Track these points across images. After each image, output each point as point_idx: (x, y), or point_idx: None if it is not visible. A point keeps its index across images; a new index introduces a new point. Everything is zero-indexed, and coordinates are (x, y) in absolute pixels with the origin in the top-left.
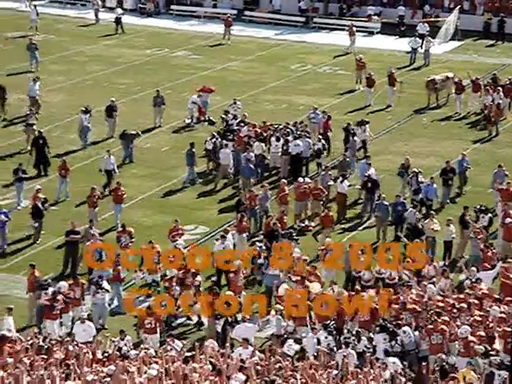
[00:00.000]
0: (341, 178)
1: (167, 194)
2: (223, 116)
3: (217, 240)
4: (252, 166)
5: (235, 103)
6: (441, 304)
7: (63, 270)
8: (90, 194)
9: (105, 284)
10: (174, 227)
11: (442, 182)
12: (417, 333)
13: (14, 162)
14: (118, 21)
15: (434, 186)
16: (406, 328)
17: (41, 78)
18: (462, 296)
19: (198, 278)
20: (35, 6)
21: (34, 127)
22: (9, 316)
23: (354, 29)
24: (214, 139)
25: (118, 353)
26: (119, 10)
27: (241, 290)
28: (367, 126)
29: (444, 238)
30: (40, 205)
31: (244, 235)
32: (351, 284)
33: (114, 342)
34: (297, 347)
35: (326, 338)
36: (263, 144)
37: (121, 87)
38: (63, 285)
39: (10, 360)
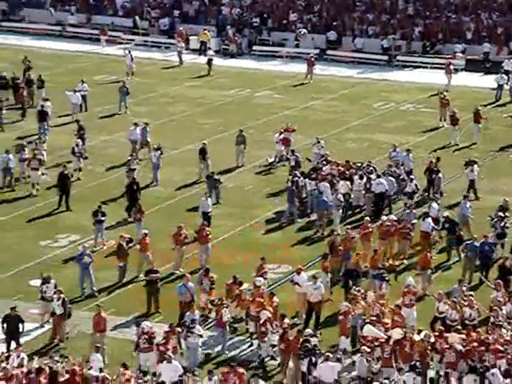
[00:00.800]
0: (424, 216)
1: (250, 233)
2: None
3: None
4: (325, 198)
5: (318, 142)
6: None
7: (147, 310)
8: (177, 232)
9: (197, 328)
10: (261, 265)
11: None
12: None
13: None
14: (209, 62)
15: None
16: (494, 370)
17: (148, 124)
18: None
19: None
20: (129, 51)
21: (135, 173)
22: (96, 353)
23: (452, 67)
24: (296, 178)
25: None
26: (211, 52)
27: (347, 333)
28: (475, 165)
29: None
30: (125, 244)
31: (329, 274)
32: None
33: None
34: None
35: (414, 379)
36: (348, 182)
37: (204, 127)
38: (146, 324)
39: None
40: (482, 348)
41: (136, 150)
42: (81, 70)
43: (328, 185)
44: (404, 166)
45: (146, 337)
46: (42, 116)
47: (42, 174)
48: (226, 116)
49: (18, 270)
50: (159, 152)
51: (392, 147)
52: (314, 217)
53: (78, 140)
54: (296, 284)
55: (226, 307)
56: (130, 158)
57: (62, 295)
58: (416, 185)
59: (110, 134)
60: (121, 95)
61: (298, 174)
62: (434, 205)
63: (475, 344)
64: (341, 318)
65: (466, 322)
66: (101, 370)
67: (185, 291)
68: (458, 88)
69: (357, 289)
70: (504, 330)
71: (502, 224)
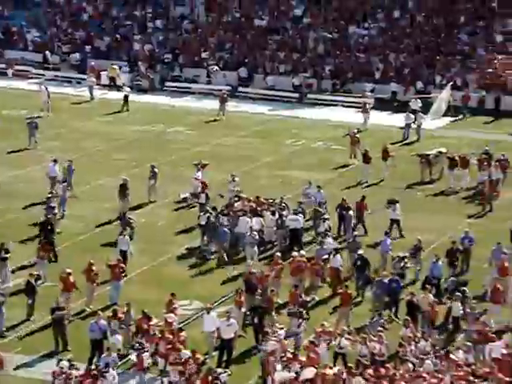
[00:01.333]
0: (334, 252)
1: (162, 269)
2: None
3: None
4: (226, 229)
5: (234, 180)
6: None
7: (55, 348)
8: (87, 268)
9: (111, 373)
10: (170, 301)
11: (447, 262)
12: None
13: None
14: (125, 98)
15: (440, 263)
16: None
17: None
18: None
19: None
20: (46, 86)
21: (55, 211)
22: None
23: (368, 106)
24: (208, 214)
25: None
26: (127, 89)
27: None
28: (397, 204)
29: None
30: (33, 281)
31: (243, 310)
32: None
33: None
34: None
35: None
36: (261, 219)
37: (117, 162)
38: (65, 364)
39: None
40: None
41: (55, 187)
42: None
43: (248, 219)
44: (315, 202)
45: (64, 377)
46: None
47: None
48: (140, 152)
49: None
50: (65, 183)
51: (307, 184)
52: (213, 248)
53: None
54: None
55: (147, 351)
56: (49, 195)
57: None
58: (329, 225)
59: (20, 169)
60: (30, 130)
61: (210, 210)
62: (329, 239)
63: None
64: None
65: (376, 357)
66: None
67: (96, 329)
68: (368, 126)
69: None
70: (410, 365)
71: (402, 265)
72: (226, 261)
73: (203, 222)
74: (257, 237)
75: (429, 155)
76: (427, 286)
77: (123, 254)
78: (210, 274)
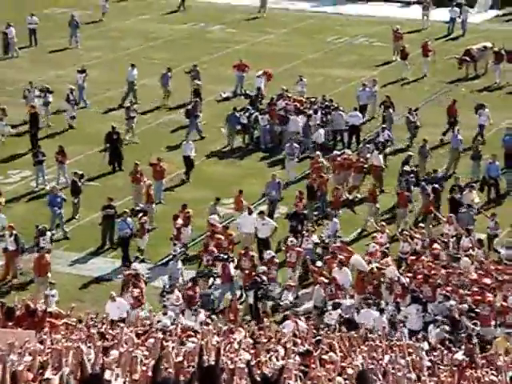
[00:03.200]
0: (376, 151)
1: (208, 169)
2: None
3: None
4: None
5: (301, 80)
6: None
7: (102, 246)
8: (134, 169)
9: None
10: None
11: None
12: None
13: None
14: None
15: (496, 163)
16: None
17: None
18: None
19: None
20: None
21: (135, 120)
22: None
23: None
24: (248, 113)
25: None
26: None
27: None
28: (486, 109)
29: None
30: (77, 180)
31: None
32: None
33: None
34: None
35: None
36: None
37: (157, 62)
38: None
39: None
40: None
41: (132, 93)
42: (30, 2)
43: (298, 119)
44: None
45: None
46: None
47: (6, 124)
48: (180, 51)
49: None
50: (84, 74)
51: (360, 85)
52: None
53: (71, 86)
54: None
55: (232, 261)
56: (129, 104)
57: (14, 231)
58: (390, 135)
59: (61, 69)
60: (71, 29)
61: (250, 109)
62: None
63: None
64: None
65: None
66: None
67: (124, 227)
68: (411, 21)
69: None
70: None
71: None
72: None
73: (244, 121)
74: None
75: (472, 50)
76: (484, 186)
77: (187, 158)
78: (257, 174)
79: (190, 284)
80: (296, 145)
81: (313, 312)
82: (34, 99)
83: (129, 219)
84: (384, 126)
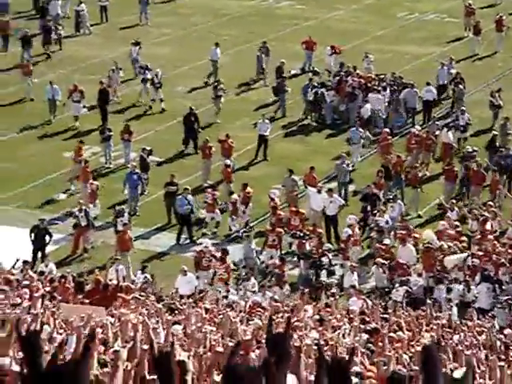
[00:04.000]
0: (446, 129)
1: (274, 145)
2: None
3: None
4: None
5: (367, 57)
6: None
7: (168, 222)
8: (204, 145)
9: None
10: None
11: None
12: None
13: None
14: None
15: None
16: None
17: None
18: None
19: None
20: None
21: (222, 100)
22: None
23: None
24: (316, 89)
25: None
26: None
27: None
28: None
29: None
30: (146, 156)
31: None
32: None
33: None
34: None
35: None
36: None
37: (225, 38)
38: (208, 242)
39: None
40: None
41: (216, 72)
42: None
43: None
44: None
45: (209, 256)
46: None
47: (84, 106)
48: (248, 27)
49: (42, 181)
50: (138, 47)
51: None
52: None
53: (158, 70)
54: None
55: (310, 238)
56: (216, 83)
57: (84, 206)
58: (469, 119)
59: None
60: (141, 6)
61: (318, 86)
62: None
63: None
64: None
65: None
66: (124, 280)
67: (185, 203)
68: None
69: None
70: None
71: None
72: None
73: (311, 98)
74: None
75: None
76: None
77: (262, 137)
78: (324, 151)
79: (278, 262)
80: (361, 129)
81: (375, 292)
82: (117, 79)
83: (189, 196)
84: (463, 108)
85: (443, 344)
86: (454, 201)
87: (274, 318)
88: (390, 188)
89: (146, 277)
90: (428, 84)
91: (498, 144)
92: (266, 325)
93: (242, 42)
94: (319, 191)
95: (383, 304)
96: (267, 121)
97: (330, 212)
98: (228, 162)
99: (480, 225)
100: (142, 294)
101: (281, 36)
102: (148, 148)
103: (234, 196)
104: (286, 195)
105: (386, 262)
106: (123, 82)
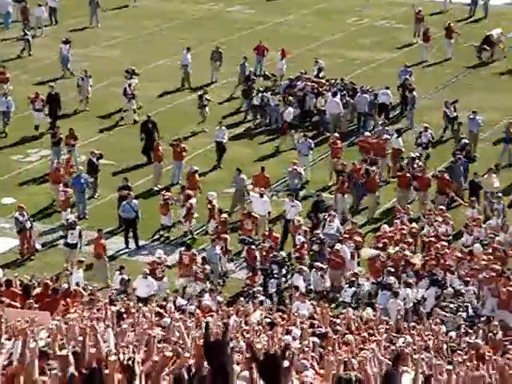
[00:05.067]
0: (396, 134)
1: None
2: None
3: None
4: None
5: (317, 62)
6: None
7: (120, 225)
8: (155, 147)
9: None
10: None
11: None
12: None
13: None
14: None
15: None
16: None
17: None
18: None
19: None
20: None
21: (207, 109)
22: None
23: None
24: (261, 94)
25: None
26: None
27: None
28: None
29: None
30: (95, 160)
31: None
32: None
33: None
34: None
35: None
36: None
37: (180, 41)
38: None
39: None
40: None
41: (188, 78)
42: None
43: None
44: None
45: (162, 266)
46: None
47: (46, 114)
48: (200, 31)
49: None
50: (68, 45)
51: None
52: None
53: (131, 80)
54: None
55: (257, 245)
56: (201, 93)
57: (24, 212)
58: (432, 135)
59: (81, 48)
60: (92, 8)
61: (262, 90)
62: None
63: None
64: None
65: (442, 237)
66: (77, 285)
67: (128, 209)
68: (432, 3)
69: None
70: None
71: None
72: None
73: (257, 102)
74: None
75: (491, 36)
76: None
77: (219, 144)
78: (273, 155)
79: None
80: (310, 140)
81: (313, 295)
82: (88, 87)
83: (134, 201)
84: (426, 125)
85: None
86: (409, 205)
87: (210, 324)
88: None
89: (123, 278)
90: (387, 88)
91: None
92: (203, 333)
93: (195, 45)
94: (261, 195)
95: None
96: (224, 127)
97: (290, 216)
98: (195, 167)
99: (433, 229)
100: (93, 297)
101: (233, 40)
102: (97, 151)
103: (192, 201)
104: (236, 196)
105: (323, 267)
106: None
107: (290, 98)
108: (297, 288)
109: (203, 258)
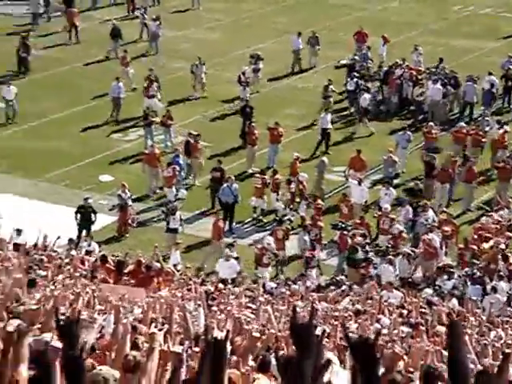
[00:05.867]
0: (497, 125)
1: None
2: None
3: None
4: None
5: (416, 49)
6: None
7: (212, 207)
8: (250, 130)
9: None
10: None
11: None
12: None
13: None
14: None
15: None
16: None
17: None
18: None
19: None
20: None
21: (331, 99)
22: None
23: None
24: (356, 79)
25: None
26: None
27: None
28: None
29: None
30: (192, 141)
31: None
32: None
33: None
34: None
35: None
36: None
37: (277, 26)
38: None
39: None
40: None
41: (299, 62)
42: None
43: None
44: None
45: (270, 254)
46: None
47: (159, 100)
48: (299, 15)
49: (87, 161)
50: (158, 22)
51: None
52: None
53: (246, 68)
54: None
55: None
56: (327, 83)
57: (126, 189)
58: None
59: (183, 30)
60: None
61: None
62: None
63: None
64: None
65: None
66: (174, 266)
67: (228, 193)
68: None
69: None
70: None
71: None
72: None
73: (351, 88)
74: None
75: None
76: None
77: (324, 131)
78: (369, 142)
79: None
80: (409, 133)
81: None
82: (202, 74)
83: (234, 185)
84: None
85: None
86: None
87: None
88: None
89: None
90: (490, 74)
91: None
92: (290, 315)
93: (293, 30)
94: (359, 183)
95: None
96: (329, 114)
97: (383, 204)
98: (297, 154)
99: None
100: (184, 277)
101: (332, 25)
102: (195, 132)
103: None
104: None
105: (411, 253)
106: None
107: (368, 84)
108: (378, 277)
109: None
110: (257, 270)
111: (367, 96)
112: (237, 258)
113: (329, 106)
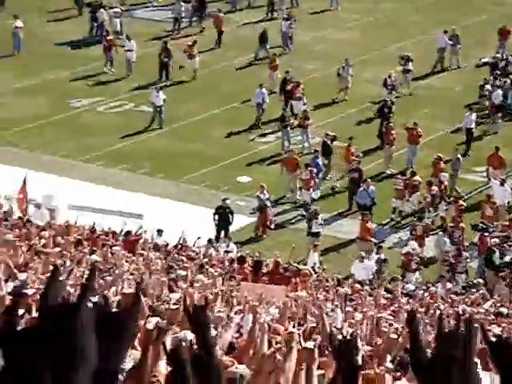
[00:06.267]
0: None
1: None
2: None
3: None
4: None
5: None
6: None
7: (349, 207)
8: (388, 130)
9: None
10: None
11: None
12: None
13: None
14: None
15: None
16: None
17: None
18: None
19: None
20: None
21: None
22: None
23: None
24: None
25: None
26: None
27: None
28: None
29: None
30: (329, 142)
31: None
32: None
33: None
34: None
35: None
36: None
37: (413, 26)
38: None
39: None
40: None
41: (442, 61)
42: None
43: None
44: None
45: (418, 258)
46: None
47: (304, 104)
48: (439, 13)
49: (225, 163)
50: (289, 22)
51: None
52: None
53: (392, 72)
54: None
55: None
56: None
57: (265, 190)
58: None
59: (321, 31)
60: None
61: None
62: None
63: None
64: None
65: None
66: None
67: (365, 195)
68: None
69: None
70: None
71: None
72: None
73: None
74: None
75: None
76: None
77: (468, 131)
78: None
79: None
80: None
81: None
82: (348, 76)
83: (371, 187)
84: None
85: None
86: None
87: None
88: None
89: (379, 258)
90: None
91: None
92: (436, 321)
93: (430, 29)
94: (502, 183)
95: None
96: (473, 114)
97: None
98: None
99: None
100: (321, 278)
101: (476, 23)
102: (331, 133)
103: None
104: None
105: None
106: None
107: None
108: None
109: None
110: (403, 276)
111: (500, 92)
112: (385, 260)
113: (483, 106)
